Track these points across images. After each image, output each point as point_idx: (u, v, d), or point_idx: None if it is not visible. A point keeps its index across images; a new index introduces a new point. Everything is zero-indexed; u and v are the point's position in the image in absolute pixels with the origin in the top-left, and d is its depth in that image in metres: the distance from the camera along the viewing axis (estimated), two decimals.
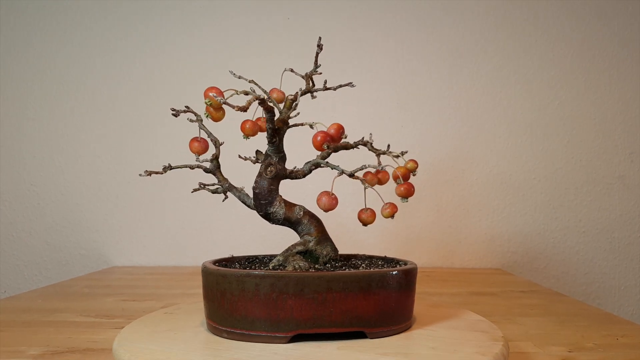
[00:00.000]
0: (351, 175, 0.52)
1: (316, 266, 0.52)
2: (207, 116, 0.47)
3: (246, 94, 0.48)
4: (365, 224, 0.54)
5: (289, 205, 0.55)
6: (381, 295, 0.47)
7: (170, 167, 0.55)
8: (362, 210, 0.54)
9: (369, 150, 0.55)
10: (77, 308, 0.68)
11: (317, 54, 0.53)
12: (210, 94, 0.46)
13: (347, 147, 0.54)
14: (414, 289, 0.51)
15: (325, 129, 0.54)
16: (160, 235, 1.10)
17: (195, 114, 0.54)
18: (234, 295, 0.47)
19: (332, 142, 0.52)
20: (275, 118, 0.53)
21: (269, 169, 0.54)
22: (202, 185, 0.58)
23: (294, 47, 1.10)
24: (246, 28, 1.10)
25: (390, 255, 0.59)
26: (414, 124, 1.10)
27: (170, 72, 1.10)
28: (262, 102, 0.48)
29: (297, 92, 0.54)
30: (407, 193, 0.54)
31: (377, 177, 0.54)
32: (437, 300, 0.67)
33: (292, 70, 0.56)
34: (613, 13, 1.11)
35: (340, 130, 0.53)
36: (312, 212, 0.56)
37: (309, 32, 1.10)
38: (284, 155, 0.55)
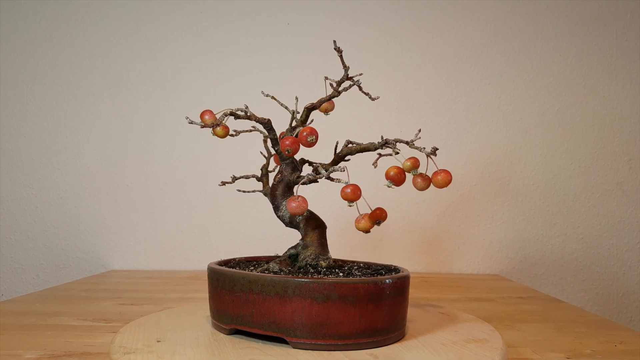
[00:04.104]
0: (329, 178, 0.52)
1: (288, 269, 0.53)
2: (212, 133, 0.52)
3: (233, 116, 0.52)
4: (365, 231, 0.53)
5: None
6: (300, 304, 0.45)
7: (235, 178, 0.62)
8: (357, 219, 0.52)
9: (391, 149, 0.52)
10: (75, 312, 0.68)
11: (341, 57, 0.54)
12: (187, 119, 0.50)
13: (369, 148, 0.53)
14: (363, 304, 0.45)
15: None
16: (158, 239, 1.10)
17: (262, 132, 0.59)
18: (208, 285, 0.54)
19: (297, 146, 0.53)
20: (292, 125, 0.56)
21: (278, 176, 0.57)
22: (242, 191, 0.66)
23: (294, 50, 1.10)
24: (248, 30, 1.11)
25: (388, 261, 0.59)
26: (413, 128, 1.11)
27: (171, 74, 1.11)
28: (236, 117, 0.53)
29: (311, 103, 0.56)
30: (352, 197, 0.48)
31: (427, 181, 0.50)
32: (436, 306, 0.66)
33: (326, 78, 0.57)
34: (612, 20, 1.11)
35: (309, 135, 0.51)
36: (317, 216, 0.56)
37: (309, 36, 1.10)
38: (291, 161, 0.56)
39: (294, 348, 0.45)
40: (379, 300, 0.46)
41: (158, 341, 0.48)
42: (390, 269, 0.54)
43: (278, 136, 0.56)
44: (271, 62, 1.11)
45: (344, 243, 1.05)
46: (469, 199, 1.11)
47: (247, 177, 0.62)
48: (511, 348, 0.53)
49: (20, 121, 1.10)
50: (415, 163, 0.49)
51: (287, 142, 0.51)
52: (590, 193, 1.11)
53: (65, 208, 1.10)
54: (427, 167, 0.50)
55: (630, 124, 1.11)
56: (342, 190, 0.48)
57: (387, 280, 0.47)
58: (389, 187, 0.50)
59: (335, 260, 0.58)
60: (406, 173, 0.50)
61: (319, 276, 0.49)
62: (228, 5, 1.11)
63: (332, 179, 0.53)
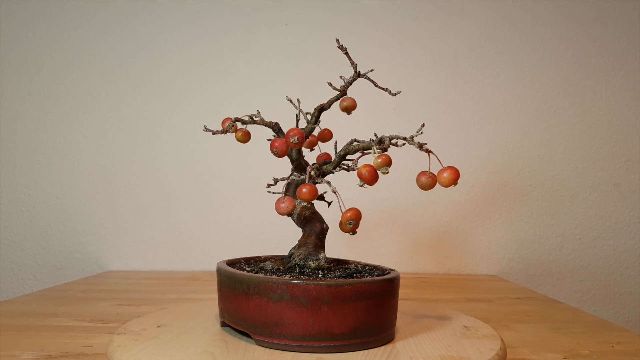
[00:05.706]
0: (311, 178, 0.52)
1: (279, 267, 0.54)
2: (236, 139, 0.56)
3: (240, 122, 0.55)
4: (349, 233, 0.51)
5: (302, 210, 0.57)
6: (259, 302, 0.45)
7: (277, 180, 0.63)
8: (340, 221, 0.51)
9: (377, 146, 0.49)
10: (72, 312, 0.68)
11: (347, 54, 0.54)
12: (204, 128, 0.52)
13: (369, 147, 0.51)
14: (316, 307, 0.43)
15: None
16: (156, 240, 1.10)
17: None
18: None
19: (285, 147, 0.53)
20: (304, 127, 0.58)
21: (288, 177, 0.58)
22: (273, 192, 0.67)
23: (293, 50, 1.10)
24: (247, 30, 1.11)
25: (385, 262, 0.59)
26: (410, 128, 1.11)
27: (169, 75, 1.11)
28: (243, 122, 0.55)
29: (321, 105, 0.56)
30: (307, 197, 0.47)
31: (431, 179, 0.47)
32: (444, 318, 0.66)
33: (341, 77, 0.58)
34: (610, 21, 1.12)
35: (292, 136, 0.51)
36: (318, 216, 0.57)
37: (308, 35, 1.10)
38: (299, 163, 0.57)
39: (257, 345, 0.46)
40: (335, 304, 0.43)
41: (158, 326, 0.52)
42: (383, 272, 0.52)
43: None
44: (271, 62, 1.11)
45: (344, 244, 1.05)
46: (467, 199, 1.11)
47: (283, 179, 0.62)
48: (509, 348, 0.53)
49: (18, 121, 1.10)
50: (386, 160, 0.46)
51: (276, 144, 0.52)
52: (587, 194, 1.12)
53: (63, 208, 1.10)
54: (429, 165, 0.47)
55: (628, 125, 1.12)
56: (299, 190, 0.49)
57: (346, 284, 0.44)
58: (361, 186, 0.48)
59: (333, 261, 0.58)
60: (377, 171, 0.48)
61: (288, 276, 0.48)
62: (227, 5, 1.11)
63: (319, 178, 0.53)
